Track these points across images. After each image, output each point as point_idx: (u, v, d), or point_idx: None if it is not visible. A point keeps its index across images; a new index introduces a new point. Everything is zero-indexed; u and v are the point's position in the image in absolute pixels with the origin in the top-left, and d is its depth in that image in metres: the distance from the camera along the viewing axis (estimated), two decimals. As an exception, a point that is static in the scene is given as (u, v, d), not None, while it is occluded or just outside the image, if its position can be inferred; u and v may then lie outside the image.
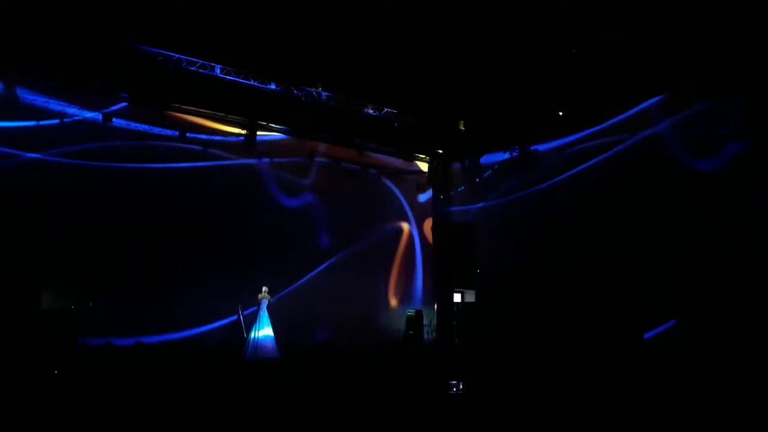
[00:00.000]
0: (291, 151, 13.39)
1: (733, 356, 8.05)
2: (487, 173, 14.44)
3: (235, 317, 11.66)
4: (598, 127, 11.99)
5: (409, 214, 15.38)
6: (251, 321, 11.33)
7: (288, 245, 12.86)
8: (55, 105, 10.62)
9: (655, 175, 10.66)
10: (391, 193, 15.08)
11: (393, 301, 14.62)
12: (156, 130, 11.60)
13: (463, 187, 15.10)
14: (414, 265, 15.20)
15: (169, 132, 11.72)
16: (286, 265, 12.78)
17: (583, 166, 12.13)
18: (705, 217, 9.75)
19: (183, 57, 10.72)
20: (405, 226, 15.25)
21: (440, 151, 15.16)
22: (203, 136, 12.14)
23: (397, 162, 15.18)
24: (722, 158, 9.84)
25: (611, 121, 11.74)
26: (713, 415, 6.02)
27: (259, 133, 12.62)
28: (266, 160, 12.92)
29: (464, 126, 13.90)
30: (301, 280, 12.98)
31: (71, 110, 10.77)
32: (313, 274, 13.19)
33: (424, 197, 15.62)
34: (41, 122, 10.50)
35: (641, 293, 9.72)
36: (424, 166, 15.67)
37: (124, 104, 11.20)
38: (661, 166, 10.60)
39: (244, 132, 12.50)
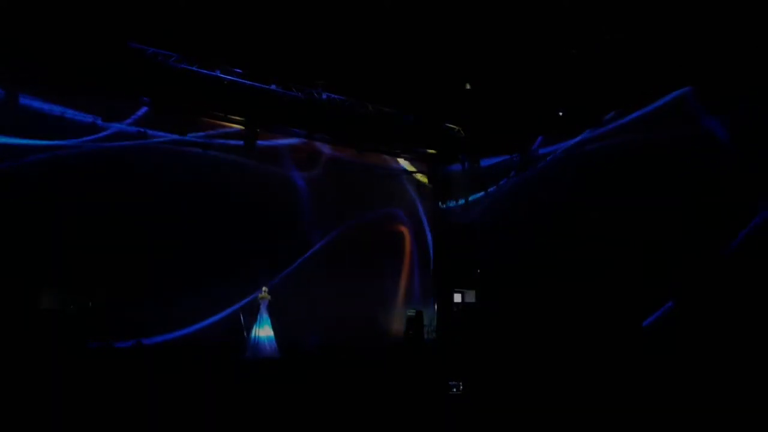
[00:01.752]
0: (291, 149, 13.46)
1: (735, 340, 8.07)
2: (487, 175, 14.43)
3: (232, 309, 11.68)
4: (597, 130, 12.00)
5: (420, 212, 15.39)
6: (251, 321, 11.33)
7: (288, 243, 12.91)
8: (54, 107, 10.61)
9: (653, 167, 10.71)
10: (391, 193, 15.06)
11: (393, 301, 14.61)
12: (154, 130, 11.58)
13: (462, 188, 15.09)
14: (415, 265, 15.20)
15: (167, 132, 11.70)
16: (286, 263, 12.83)
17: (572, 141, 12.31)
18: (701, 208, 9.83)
19: (183, 56, 10.72)
20: (406, 226, 15.24)
21: (440, 152, 15.16)
22: (202, 136, 12.13)
23: (397, 162, 15.20)
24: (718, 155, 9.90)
25: (612, 125, 11.74)
26: (713, 409, 6.01)
27: (258, 131, 12.62)
28: (266, 158, 12.90)
29: (465, 127, 13.91)
30: (299, 275, 13.01)
31: (70, 112, 10.76)
32: (309, 269, 13.21)
33: (424, 197, 15.61)
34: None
35: (639, 283, 9.76)
36: (424, 166, 15.68)
37: (114, 104, 11.19)
38: (659, 158, 10.65)
39: (244, 131, 12.50)
